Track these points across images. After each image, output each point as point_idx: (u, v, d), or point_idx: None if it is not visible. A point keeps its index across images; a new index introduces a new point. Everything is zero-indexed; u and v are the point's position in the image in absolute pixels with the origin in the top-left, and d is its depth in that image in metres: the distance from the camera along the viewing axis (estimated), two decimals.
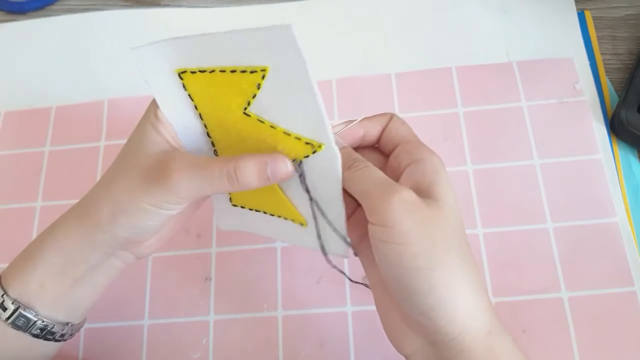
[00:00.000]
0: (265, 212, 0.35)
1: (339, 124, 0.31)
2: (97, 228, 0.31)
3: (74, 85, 0.52)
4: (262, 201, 0.34)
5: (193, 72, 0.29)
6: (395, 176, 0.29)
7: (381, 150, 0.32)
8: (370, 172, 0.28)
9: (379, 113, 0.32)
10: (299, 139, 0.28)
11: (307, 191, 0.30)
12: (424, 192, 0.27)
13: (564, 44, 0.48)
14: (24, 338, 0.32)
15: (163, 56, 0.28)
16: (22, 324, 0.31)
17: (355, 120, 0.31)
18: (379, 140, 0.32)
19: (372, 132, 0.32)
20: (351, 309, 0.41)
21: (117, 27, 0.54)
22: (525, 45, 0.49)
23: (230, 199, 0.36)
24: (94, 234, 0.31)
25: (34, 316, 0.31)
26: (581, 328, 0.39)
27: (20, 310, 0.31)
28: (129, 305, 0.43)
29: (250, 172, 0.28)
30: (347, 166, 0.29)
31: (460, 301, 0.26)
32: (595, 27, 0.49)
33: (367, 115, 0.32)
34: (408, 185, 0.28)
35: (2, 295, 0.31)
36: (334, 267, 0.34)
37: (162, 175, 0.29)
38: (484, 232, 0.42)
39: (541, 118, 0.45)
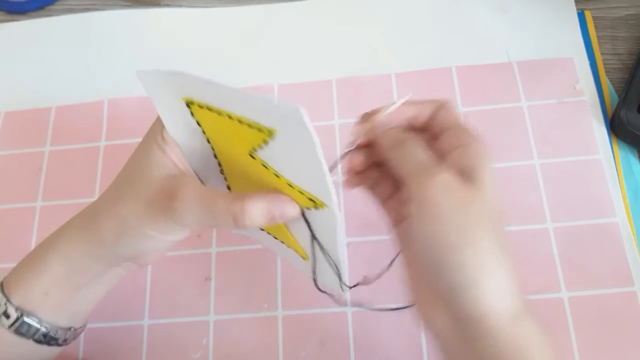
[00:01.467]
0: (268, 233, 0.35)
1: (387, 105, 0.31)
2: (101, 245, 0.31)
3: (74, 85, 0.52)
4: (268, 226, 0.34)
5: (200, 107, 0.28)
6: (441, 160, 0.29)
7: (428, 135, 0.32)
8: (416, 153, 0.28)
9: (431, 98, 0.32)
10: (302, 193, 0.28)
11: (314, 237, 0.30)
12: (466, 176, 0.27)
13: (564, 44, 0.48)
14: (27, 344, 0.32)
15: (170, 85, 0.27)
16: (25, 331, 0.31)
17: (399, 101, 0.31)
18: (427, 124, 0.31)
19: (421, 114, 0.31)
20: (351, 309, 0.41)
21: (117, 27, 0.54)
22: (525, 45, 0.49)
23: None
24: (98, 250, 0.31)
25: (37, 323, 0.31)
26: (581, 328, 0.39)
27: (23, 317, 0.31)
28: (129, 305, 0.43)
29: (258, 213, 0.28)
30: (394, 145, 0.29)
31: (489, 282, 0.26)
32: (595, 27, 0.49)
33: (417, 98, 0.31)
34: (452, 168, 0.28)
35: (5, 303, 0.31)
36: (324, 291, 0.34)
37: (169, 205, 0.28)
38: None
39: (541, 118, 0.45)
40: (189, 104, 0.28)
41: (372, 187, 0.33)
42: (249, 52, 0.52)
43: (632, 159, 0.44)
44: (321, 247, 0.30)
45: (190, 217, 0.28)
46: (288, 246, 0.34)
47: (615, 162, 0.44)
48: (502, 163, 0.44)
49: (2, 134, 0.50)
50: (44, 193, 0.47)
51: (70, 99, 0.51)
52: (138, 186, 0.30)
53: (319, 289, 0.33)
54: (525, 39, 0.49)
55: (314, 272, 0.32)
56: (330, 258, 0.31)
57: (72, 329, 0.33)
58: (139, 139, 0.31)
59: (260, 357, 0.40)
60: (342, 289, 0.32)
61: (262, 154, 0.28)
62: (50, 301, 0.31)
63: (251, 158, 0.28)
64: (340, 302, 0.33)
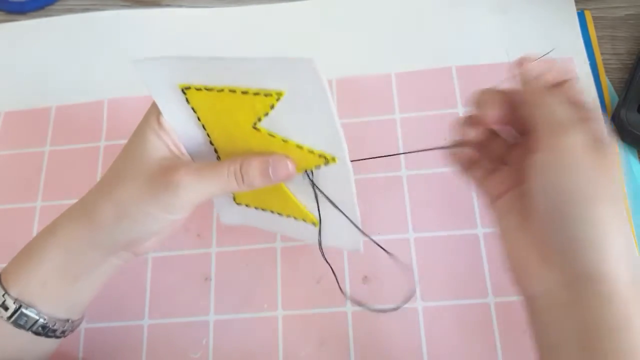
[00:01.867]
0: (272, 212, 0.35)
1: (534, 55, 0.32)
2: (100, 231, 0.31)
3: (74, 85, 0.52)
4: (269, 201, 0.35)
5: (198, 89, 0.28)
6: None
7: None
8: (560, 105, 0.28)
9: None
10: (312, 152, 0.29)
11: (316, 195, 0.31)
12: (596, 140, 0.27)
13: (564, 44, 0.48)
14: (25, 335, 0.32)
15: (166, 71, 0.28)
16: (23, 323, 0.31)
17: (548, 52, 0.32)
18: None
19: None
20: (351, 309, 0.41)
21: (117, 27, 0.54)
22: (525, 45, 0.49)
23: (234, 197, 0.36)
24: (96, 236, 0.31)
25: (36, 314, 0.31)
26: None
27: (22, 309, 0.31)
28: (129, 305, 0.43)
29: (253, 171, 0.29)
30: (541, 94, 0.29)
31: (613, 241, 0.26)
32: (595, 27, 0.49)
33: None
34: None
35: (3, 295, 0.31)
36: (328, 263, 0.34)
37: (169, 179, 0.29)
38: (484, 232, 0.42)
39: None
40: (184, 90, 0.29)
41: (470, 167, 0.33)
42: (249, 52, 0.52)
43: (632, 159, 0.44)
44: (332, 203, 0.31)
45: (193, 187, 0.29)
46: (296, 218, 0.34)
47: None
48: None
49: (2, 134, 0.50)
50: (44, 193, 0.47)
51: (70, 99, 0.51)
52: (135, 168, 0.30)
53: (323, 256, 0.34)
54: (525, 39, 0.49)
55: (319, 232, 0.33)
56: (343, 212, 0.32)
57: (70, 321, 0.34)
58: None
59: (260, 357, 0.40)
60: (359, 240, 0.33)
61: (268, 123, 0.28)
62: (48, 292, 0.32)
63: (255, 131, 0.29)
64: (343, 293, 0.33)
